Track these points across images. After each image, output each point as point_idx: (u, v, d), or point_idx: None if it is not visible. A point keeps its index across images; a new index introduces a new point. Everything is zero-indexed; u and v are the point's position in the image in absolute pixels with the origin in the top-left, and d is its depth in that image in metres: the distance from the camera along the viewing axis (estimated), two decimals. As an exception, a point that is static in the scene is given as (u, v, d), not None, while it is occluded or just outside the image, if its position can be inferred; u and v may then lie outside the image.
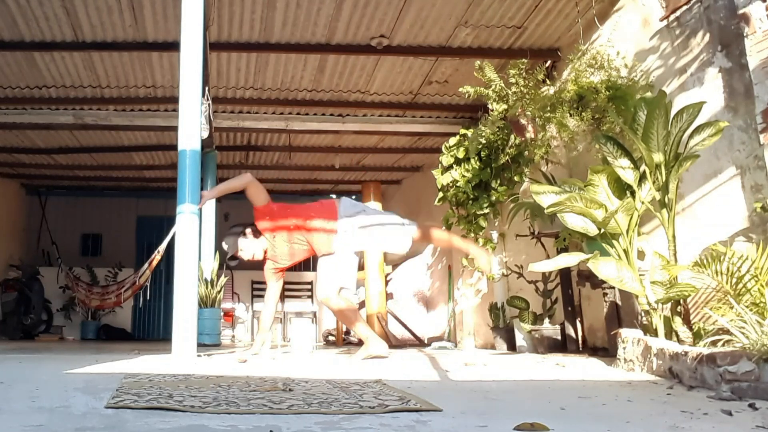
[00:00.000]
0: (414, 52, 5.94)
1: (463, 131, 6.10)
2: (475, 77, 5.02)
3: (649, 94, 4.01)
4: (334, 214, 4.27)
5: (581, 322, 5.03)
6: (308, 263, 10.92)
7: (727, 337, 2.69)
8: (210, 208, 7.49)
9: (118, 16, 5.24)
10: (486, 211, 5.82)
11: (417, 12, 5.28)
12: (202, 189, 4.05)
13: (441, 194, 6.18)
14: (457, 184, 5.96)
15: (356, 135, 7.87)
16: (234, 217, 10.44)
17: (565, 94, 4.48)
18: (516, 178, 5.68)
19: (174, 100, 4.95)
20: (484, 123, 5.25)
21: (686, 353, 2.60)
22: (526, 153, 5.39)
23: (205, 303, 6.90)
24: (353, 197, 9.71)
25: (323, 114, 7.35)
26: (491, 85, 4.88)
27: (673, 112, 3.37)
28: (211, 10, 4.87)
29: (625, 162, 3.49)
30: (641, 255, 3.70)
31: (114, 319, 10.26)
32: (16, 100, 6.85)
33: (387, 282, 8.51)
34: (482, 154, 5.76)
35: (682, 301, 3.31)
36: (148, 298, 8.16)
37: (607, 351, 4.30)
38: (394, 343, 7.57)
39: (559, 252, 4.59)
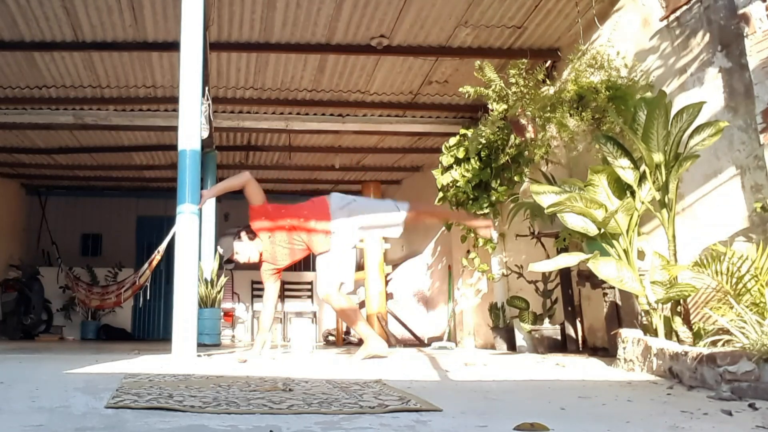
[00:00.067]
0: (414, 52, 5.94)
1: (463, 131, 6.10)
2: (475, 77, 5.03)
3: (649, 94, 4.01)
4: (326, 211, 4.29)
5: (581, 322, 5.03)
6: (308, 263, 10.95)
7: (727, 337, 2.69)
8: (210, 208, 7.49)
9: (118, 16, 5.24)
10: (486, 211, 5.82)
11: (417, 12, 5.28)
12: (201, 189, 4.05)
13: (441, 194, 6.18)
14: (457, 184, 5.95)
15: (356, 135, 7.87)
16: (234, 217, 10.44)
17: (565, 94, 4.48)
18: (516, 178, 5.68)
19: (174, 100, 4.95)
20: (484, 123, 5.26)
21: (686, 353, 2.60)
22: (526, 153, 5.39)
23: (205, 303, 6.90)
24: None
25: (323, 114, 7.35)
26: (491, 85, 4.88)
27: (673, 112, 3.37)
28: (211, 10, 4.87)
29: (625, 162, 3.49)
30: (641, 255, 3.70)
31: (114, 319, 10.26)
32: (16, 100, 6.85)
33: (387, 282, 8.50)
34: (482, 154, 5.76)
35: (682, 301, 3.31)
36: (148, 298, 8.17)
37: (607, 351, 4.30)
38: (394, 343, 7.57)
39: (559, 252, 4.59)
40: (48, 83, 6.48)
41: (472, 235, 5.89)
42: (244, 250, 4.34)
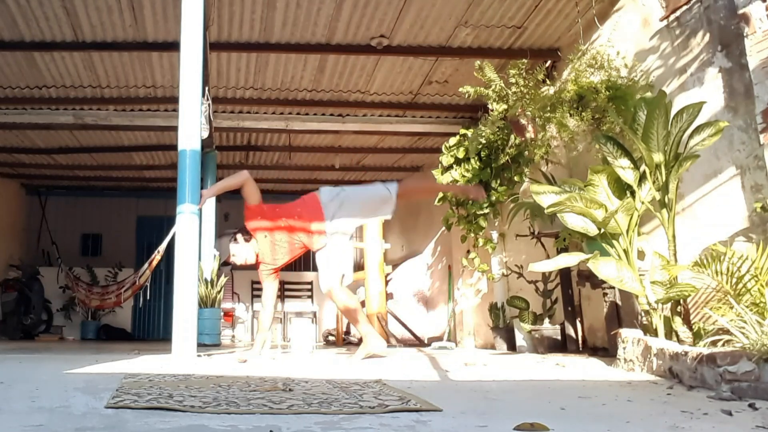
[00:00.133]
0: (414, 52, 5.94)
1: (463, 131, 6.10)
2: (475, 77, 5.03)
3: (649, 94, 4.01)
4: (318, 206, 4.31)
5: (581, 322, 5.03)
6: (308, 263, 10.96)
7: (727, 337, 2.69)
8: (210, 208, 7.49)
9: (118, 16, 5.24)
10: (486, 211, 5.82)
11: (417, 12, 5.28)
12: (201, 189, 4.05)
13: (441, 194, 6.18)
14: (457, 184, 5.95)
15: (356, 135, 7.87)
16: (234, 216, 10.44)
17: (565, 94, 4.48)
18: (516, 178, 5.68)
19: (174, 100, 4.95)
20: (484, 123, 5.26)
21: (686, 353, 2.60)
22: (526, 153, 5.39)
23: (205, 303, 6.90)
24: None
25: (323, 114, 7.35)
26: (491, 85, 4.88)
27: (673, 112, 3.37)
28: (211, 10, 4.87)
29: (625, 162, 3.49)
30: (641, 255, 3.70)
31: (114, 319, 10.26)
32: (16, 100, 6.85)
33: (387, 282, 8.50)
34: (482, 154, 5.76)
35: (682, 301, 3.31)
36: (148, 298, 8.16)
37: (607, 351, 4.30)
38: (394, 343, 7.57)
39: (559, 252, 4.59)
40: (48, 83, 6.48)
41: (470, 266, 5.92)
42: (241, 252, 4.35)
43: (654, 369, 2.86)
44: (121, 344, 7.47)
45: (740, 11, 3.25)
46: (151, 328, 10.94)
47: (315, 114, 7.35)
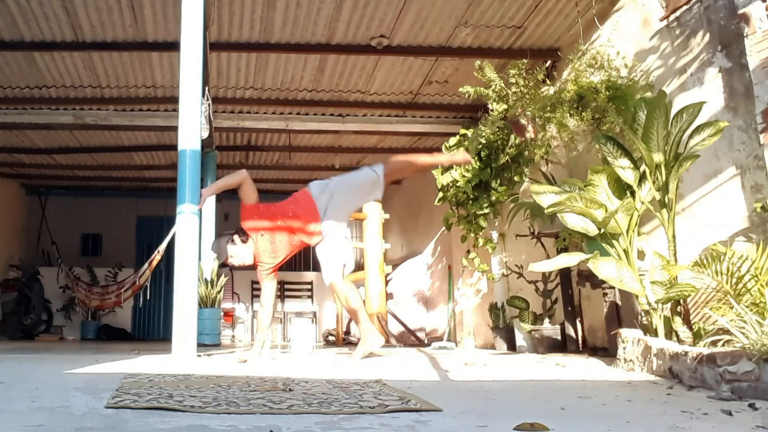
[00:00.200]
0: (414, 52, 5.94)
1: (463, 131, 6.10)
2: (475, 77, 5.03)
3: (649, 94, 4.01)
4: (310, 201, 4.34)
5: (581, 322, 5.03)
6: (308, 263, 10.96)
7: (727, 337, 2.69)
8: (210, 208, 7.49)
9: (118, 16, 5.24)
10: (486, 211, 5.82)
11: (417, 12, 5.28)
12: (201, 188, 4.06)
13: (441, 194, 6.18)
14: (457, 184, 5.96)
15: (356, 135, 7.87)
16: (234, 217, 10.42)
17: (565, 94, 4.48)
18: (516, 178, 5.68)
19: (174, 100, 4.95)
20: (484, 123, 5.25)
21: (686, 353, 2.60)
22: (526, 153, 5.39)
23: (205, 303, 6.90)
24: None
25: (323, 114, 7.35)
26: (491, 85, 4.88)
27: (673, 112, 3.37)
28: (211, 10, 4.87)
29: (625, 162, 3.49)
30: (641, 255, 3.70)
31: (114, 319, 10.26)
32: (16, 100, 6.85)
33: (387, 282, 8.50)
34: (482, 154, 5.76)
35: (682, 301, 3.31)
36: (148, 298, 8.16)
37: (607, 351, 4.30)
38: (394, 343, 7.57)
39: (559, 252, 4.59)
40: (48, 83, 6.48)
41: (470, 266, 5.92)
42: (238, 253, 4.36)
43: (654, 369, 2.86)
44: (121, 344, 7.47)
45: (740, 11, 3.25)
46: (151, 328, 10.94)
47: (315, 114, 7.35)
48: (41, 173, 9.90)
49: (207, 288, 7.02)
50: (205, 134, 5.08)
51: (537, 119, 4.61)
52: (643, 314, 3.46)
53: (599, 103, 4.27)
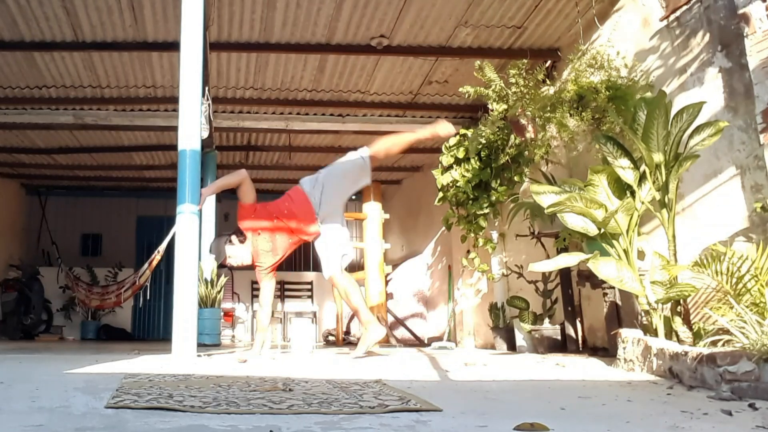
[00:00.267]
0: (414, 52, 5.94)
1: (463, 131, 6.10)
2: (475, 77, 5.03)
3: (649, 94, 4.01)
4: (304, 197, 4.38)
5: (581, 322, 5.03)
6: (308, 263, 10.97)
7: (727, 337, 2.69)
8: (210, 208, 7.49)
9: (118, 16, 5.24)
10: (486, 211, 5.82)
11: (417, 12, 5.28)
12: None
13: (441, 194, 6.18)
14: (457, 184, 5.96)
15: (356, 135, 7.85)
16: (234, 217, 10.42)
17: (565, 94, 4.48)
18: (516, 178, 5.68)
19: (174, 100, 4.95)
20: (484, 123, 5.26)
21: (686, 353, 2.60)
22: (526, 153, 5.39)
23: (205, 303, 6.90)
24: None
25: (323, 114, 7.35)
26: (491, 85, 4.88)
27: (673, 112, 3.37)
28: (211, 10, 4.87)
29: (625, 162, 3.49)
30: (641, 255, 3.70)
31: (114, 319, 10.26)
32: (16, 100, 6.85)
33: (387, 282, 8.50)
34: (482, 154, 5.76)
35: (682, 301, 3.31)
36: (148, 298, 8.16)
37: (607, 351, 4.30)
38: (394, 343, 7.58)
39: (559, 252, 4.59)
40: (48, 83, 6.48)
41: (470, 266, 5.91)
42: (236, 253, 4.37)
43: (654, 369, 2.86)
44: (121, 344, 7.47)
45: (740, 11, 3.25)
46: (151, 328, 10.94)
47: (315, 114, 7.35)
48: (41, 173, 9.90)
49: (207, 288, 7.02)
50: (205, 134, 5.08)
51: (537, 119, 4.61)
52: (643, 314, 3.46)
53: (599, 103, 4.27)
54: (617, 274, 3.21)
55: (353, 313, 8.96)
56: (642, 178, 3.47)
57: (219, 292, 7.19)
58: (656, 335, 3.17)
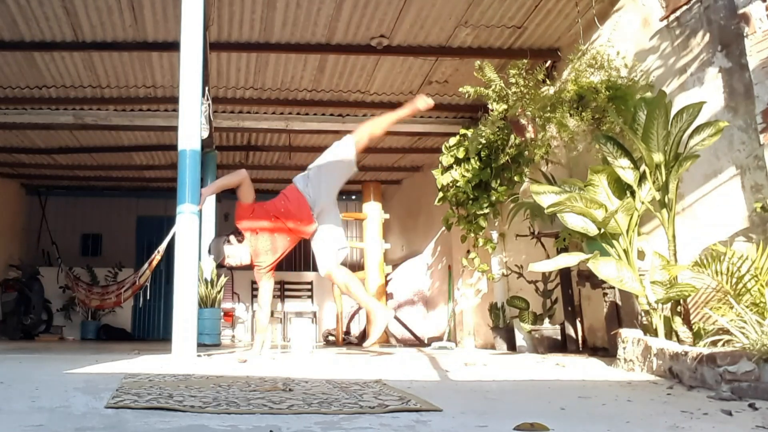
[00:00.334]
0: (414, 52, 5.94)
1: (463, 131, 6.10)
2: (475, 77, 5.02)
3: (649, 94, 4.01)
4: (298, 195, 4.40)
5: (581, 322, 5.03)
6: (308, 263, 10.96)
7: (727, 337, 2.69)
8: (210, 208, 7.49)
9: (118, 16, 5.24)
10: (486, 211, 5.82)
11: (417, 12, 5.28)
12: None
13: (441, 194, 6.18)
14: (457, 184, 5.96)
15: (356, 135, 7.85)
16: (234, 217, 10.43)
17: (565, 94, 4.48)
18: (516, 178, 5.68)
19: (174, 100, 4.95)
20: (484, 123, 5.25)
21: (686, 353, 2.60)
22: (526, 153, 5.39)
23: (205, 303, 6.90)
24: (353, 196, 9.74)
25: (323, 114, 7.35)
26: (491, 85, 4.88)
27: (673, 112, 3.37)
28: (211, 10, 4.87)
29: (625, 162, 3.49)
30: (641, 255, 3.70)
31: (114, 319, 10.26)
32: (16, 100, 6.85)
33: (387, 282, 8.51)
34: (482, 154, 5.76)
35: (682, 301, 3.31)
36: (148, 298, 8.16)
37: (607, 351, 4.30)
38: (394, 343, 7.58)
39: (559, 252, 4.59)
40: (48, 83, 6.48)
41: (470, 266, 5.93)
42: (235, 253, 4.37)
43: (654, 369, 2.86)
44: (121, 344, 7.47)
45: (740, 11, 3.25)
46: (151, 328, 10.94)
47: (315, 114, 7.35)
48: (41, 173, 9.90)
49: (207, 288, 7.02)
50: (205, 134, 5.08)
51: (537, 119, 4.61)
52: (643, 314, 3.46)
53: (599, 103, 4.27)
54: (617, 274, 3.21)
55: (353, 313, 9.03)
56: (642, 178, 3.47)
57: (219, 292, 7.19)
58: (656, 335, 3.17)
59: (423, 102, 4.56)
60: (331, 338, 9.10)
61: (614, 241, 3.46)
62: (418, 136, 7.96)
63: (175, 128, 4.13)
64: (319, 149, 8.62)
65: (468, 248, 6.35)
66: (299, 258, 11.05)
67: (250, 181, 4.44)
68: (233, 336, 9.92)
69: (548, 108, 4.51)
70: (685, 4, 3.96)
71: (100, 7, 5.10)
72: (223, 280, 7.33)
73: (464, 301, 7.56)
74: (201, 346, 5.32)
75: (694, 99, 3.60)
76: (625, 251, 3.41)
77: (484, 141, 5.53)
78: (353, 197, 11.28)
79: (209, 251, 4.53)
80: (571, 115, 4.45)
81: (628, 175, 3.47)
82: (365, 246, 8.28)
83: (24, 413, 1.77)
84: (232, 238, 4.38)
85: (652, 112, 3.33)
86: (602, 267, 3.21)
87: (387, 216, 8.57)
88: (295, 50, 5.84)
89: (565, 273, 4.93)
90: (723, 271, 2.94)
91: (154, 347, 5.76)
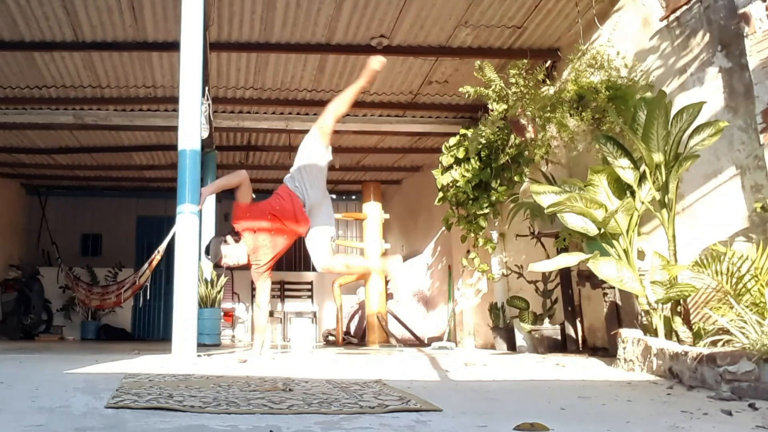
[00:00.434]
0: (414, 52, 5.94)
1: (463, 131, 6.10)
2: (475, 77, 5.03)
3: (649, 94, 4.01)
4: (291, 194, 4.41)
5: (581, 322, 5.03)
6: (308, 264, 10.95)
7: (727, 337, 2.69)
8: (210, 208, 7.49)
9: (118, 16, 5.24)
10: (486, 211, 5.82)
11: (417, 12, 5.28)
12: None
13: (441, 194, 6.18)
14: (457, 184, 5.96)
15: (356, 135, 7.86)
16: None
17: (565, 94, 4.48)
18: (516, 178, 5.68)
19: (174, 100, 4.95)
20: (484, 123, 5.26)
21: (686, 353, 2.60)
22: (526, 153, 5.39)
23: (205, 303, 6.90)
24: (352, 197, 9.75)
25: (323, 114, 7.34)
26: (491, 85, 4.88)
27: (673, 112, 3.37)
28: (211, 10, 4.86)
29: (625, 162, 3.49)
30: (641, 255, 3.70)
31: (114, 319, 10.25)
32: (16, 100, 6.84)
33: (387, 282, 8.51)
34: (482, 154, 5.77)
35: (682, 301, 3.31)
36: (148, 298, 8.16)
37: (607, 351, 4.30)
38: (394, 343, 7.58)
39: (559, 252, 4.59)
40: (48, 83, 6.48)
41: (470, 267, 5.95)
42: (232, 253, 4.37)
43: (654, 369, 2.86)
44: (121, 344, 7.47)
45: (740, 11, 3.25)
46: (151, 328, 10.94)
47: (315, 114, 7.33)
48: (41, 173, 9.90)
49: (207, 288, 7.02)
50: (205, 134, 5.08)
51: (537, 119, 4.61)
52: (643, 314, 3.46)
53: (599, 103, 4.27)
54: (617, 274, 3.21)
55: (353, 313, 9.03)
56: (642, 178, 3.47)
57: (219, 292, 7.19)
58: (656, 335, 3.17)
59: (377, 62, 4.55)
60: (331, 338, 9.11)
61: (614, 241, 3.46)
62: (418, 136, 7.96)
63: (175, 128, 4.13)
64: (319, 149, 8.67)
65: (468, 248, 6.35)
66: (299, 258, 11.05)
67: (250, 182, 4.45)
68: (233, 336, 9.91)
69: (548, 108, 4.51)
70: (685, 4, 3.96)
71: (100, 7, 5.10)
72: (223, 280, 7.33)
73: (464, 301, 7.56)
74: (201, 346, 5.32)
75: (694, 99, 3.60)
76: (625, 251, 3.41)
77: (484, 141, 5.53)
78: (353, 197, 11.29)
79: (206, 251, 4.53)
80: (571, 115, 4.45)
81: (628, 175, 3.47)
82: (365, 246, 8.28)
83: (24, 413, 1.77)
84: (229, 238, 4.39)
85: (652, 112, 3.34)
86: (602, 267, 3.21)
87: (387, 216, 8.57)
88: (295, 50, 5.84)
89: (565, 273, 4.93)
90: (723, 271, 2.94)
91: (154, 347, 5.76)
